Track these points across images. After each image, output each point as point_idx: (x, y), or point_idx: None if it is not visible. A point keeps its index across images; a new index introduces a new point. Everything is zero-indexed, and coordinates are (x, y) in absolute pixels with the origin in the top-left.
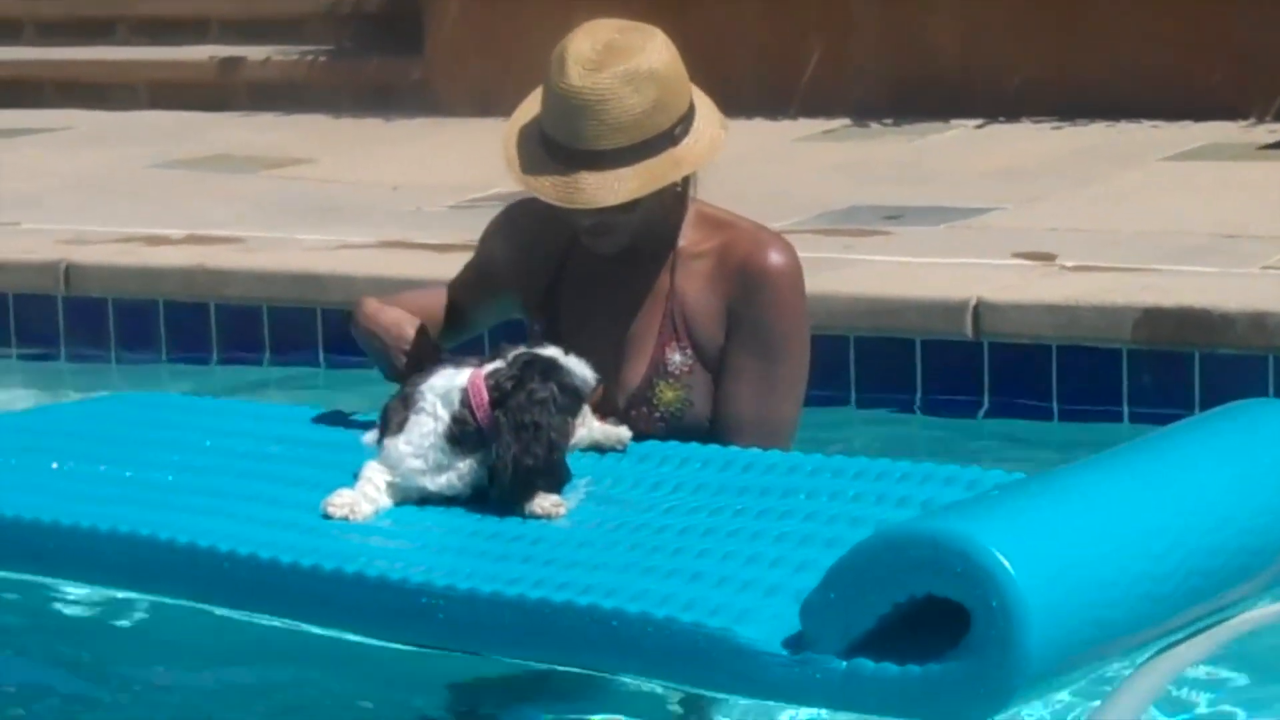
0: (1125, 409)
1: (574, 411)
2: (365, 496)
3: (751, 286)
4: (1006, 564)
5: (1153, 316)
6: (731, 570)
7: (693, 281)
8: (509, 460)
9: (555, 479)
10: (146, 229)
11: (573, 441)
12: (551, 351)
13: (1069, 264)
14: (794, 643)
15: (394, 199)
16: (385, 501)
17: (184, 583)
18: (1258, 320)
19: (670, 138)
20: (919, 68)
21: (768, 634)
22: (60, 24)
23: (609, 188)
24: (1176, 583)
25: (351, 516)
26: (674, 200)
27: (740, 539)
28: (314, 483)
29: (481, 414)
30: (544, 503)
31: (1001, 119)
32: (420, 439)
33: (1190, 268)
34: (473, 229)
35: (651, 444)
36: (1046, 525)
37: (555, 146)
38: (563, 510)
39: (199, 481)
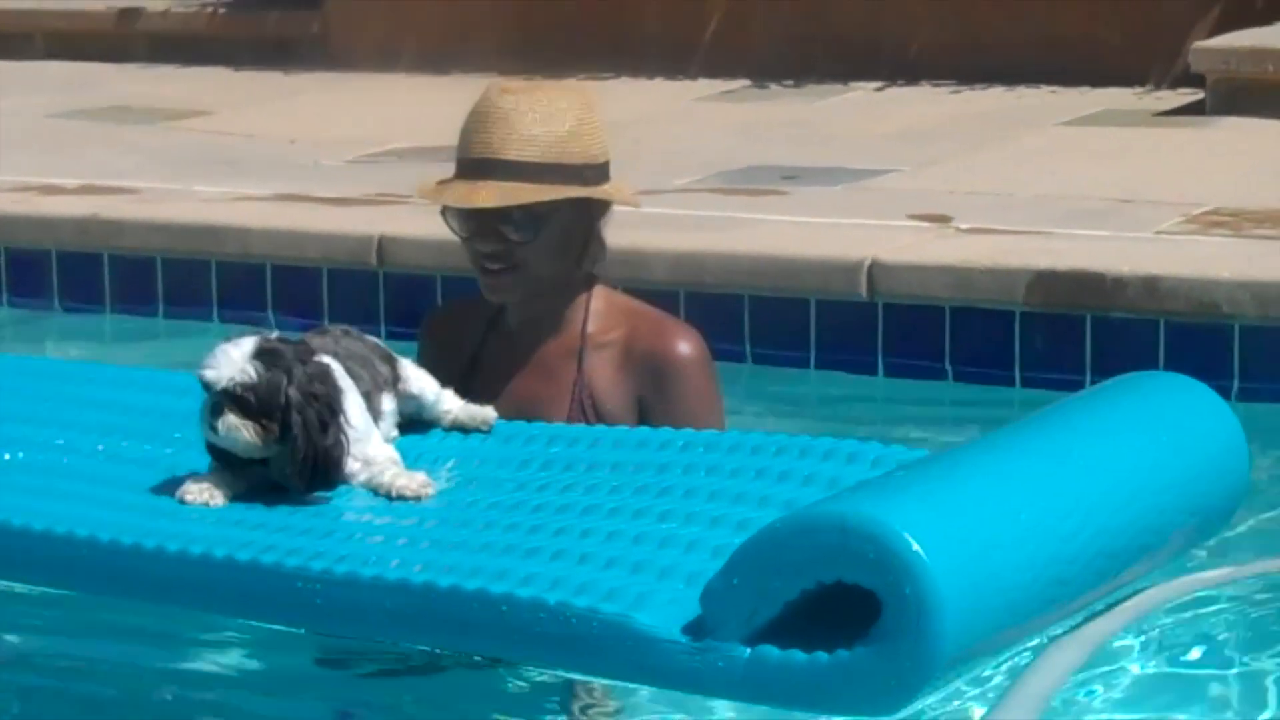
0: (1018, 371)
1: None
2: (221, 481)
3: (661, 378)
4: (920, 550)
5: (1046, 279)
6: (619, 551)
7: (601, 370)
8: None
9: None
10: (41, 178)
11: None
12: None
13: (964, 226)
14: (695, 629)
15: (292, 152)
16: (241, 486)
17: (42, 570)
18: (1150, 284)
19: (580, 176)
20: (820, 30)
21: (666, 620)
22: None
23: (509, 192)
24: (1084, 564)
25: (210, 503)
26: (578, 270)
27: (622, 517)
28: (171, 463)
29: None
30: (411, 483)
31: (901, 82)
32: None
33: (1084, 231)
34: (369, 183)
35: (517, 425)
36: (958, 508)
37: (466, 163)
38: (431, 491)
39: (50, 461)
